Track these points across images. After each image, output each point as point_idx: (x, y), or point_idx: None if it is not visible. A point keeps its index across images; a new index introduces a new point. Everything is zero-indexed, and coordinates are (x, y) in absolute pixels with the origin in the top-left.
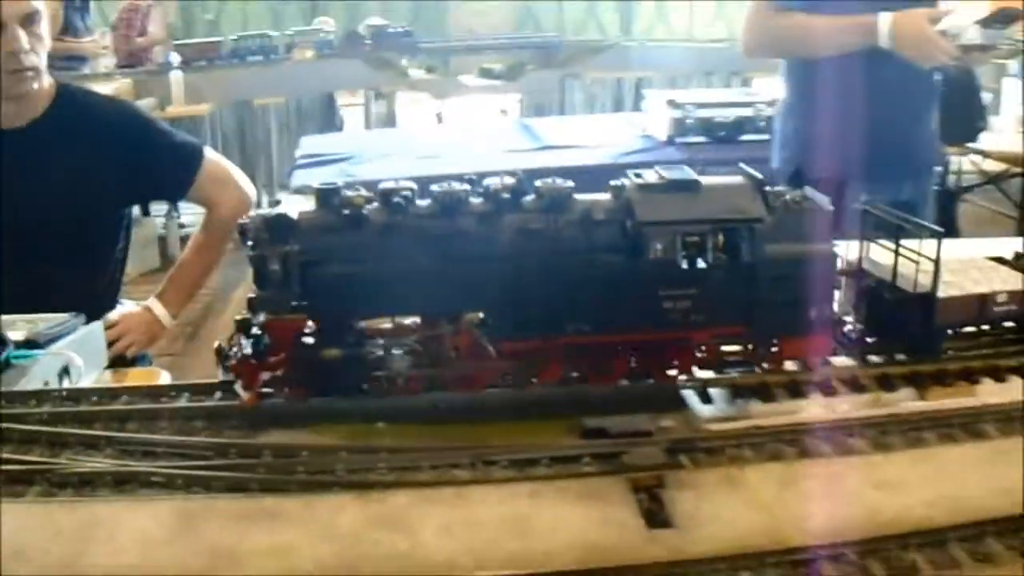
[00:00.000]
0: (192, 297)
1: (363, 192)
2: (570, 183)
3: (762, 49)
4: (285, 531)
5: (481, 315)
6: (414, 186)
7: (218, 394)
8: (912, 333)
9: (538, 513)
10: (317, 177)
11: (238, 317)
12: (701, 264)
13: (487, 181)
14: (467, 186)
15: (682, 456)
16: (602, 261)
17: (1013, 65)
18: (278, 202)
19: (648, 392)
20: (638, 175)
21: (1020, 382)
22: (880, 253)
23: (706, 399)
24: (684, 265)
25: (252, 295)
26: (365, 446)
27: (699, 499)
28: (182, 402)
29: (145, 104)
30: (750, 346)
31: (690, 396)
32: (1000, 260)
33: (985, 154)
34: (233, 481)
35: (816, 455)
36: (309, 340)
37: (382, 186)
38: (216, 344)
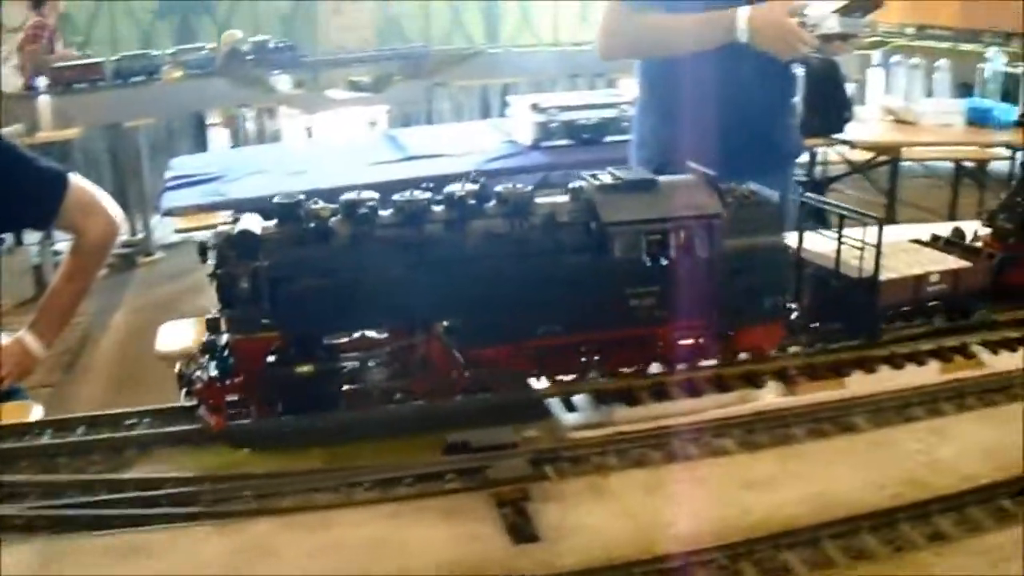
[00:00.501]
0: (65, 325)
1: (326, 204)
2: (529, 188)
3: (620, 51)
4: (150, 566)
5: (446, 323)
6: (376, 195)
7: (81, 428)
8: (856, 316)
9: (402, 533)
10: (187, 198)
11: (203, 339)
12: (663, 261)
13: (449, 189)
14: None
15: (547, 467)
16: (568, 263)
17: (877, 55)
18: (236, 219)
19: (513, 403)
20: (594, 176)
21: (888, 371)
22: (814, 242)
23: (570, 407)
24: (648, 263)
25: (210, 316)
26: (228, 475)
27: (564, 510)
28: (45, 439)
29: (11, 131)
30: (710, 338)
31: (554, 405)
32: (920, 242)
33: (852, 144)
34: (97, 518)
35: (682, 458)
36: (277, 357)
37: (344, 198)
38: (177, 368)
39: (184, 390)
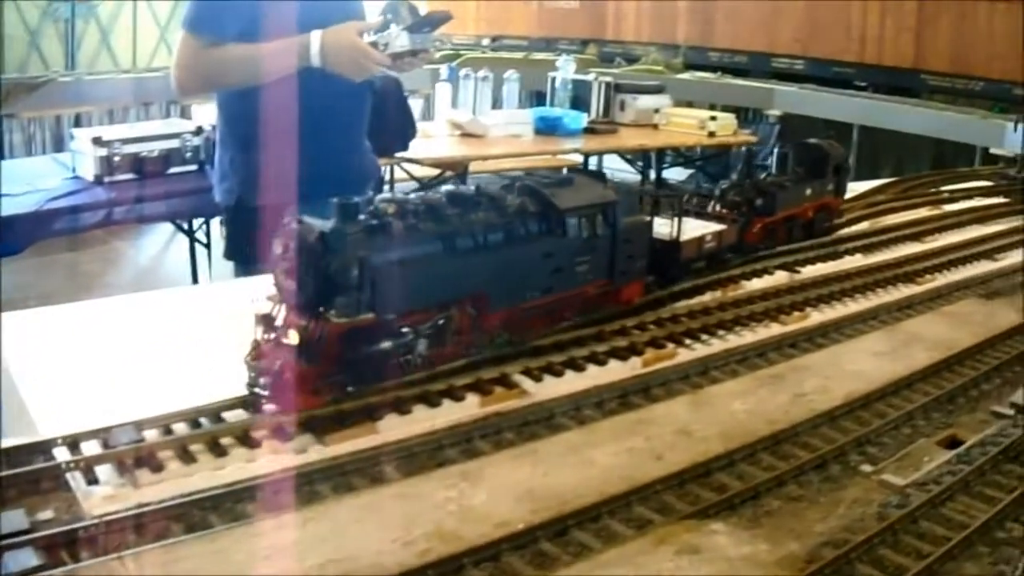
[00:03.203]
0: None
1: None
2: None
3: (199, 86)
4: None
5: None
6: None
7: None
8: (666, 267)
9: None
10: None
11: (297, 327)
12: (592, 236)
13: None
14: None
15: (63, 552)
16: (544, 241)
17: (445, 69)
18: (301, 220)
19: (25, 478)
20: (530, 174)
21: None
22: None
23: (92, 479)
24: (585, 237)
25: (263, 312)
26: None
27: None
28: None
29: None
30: (611, 292)
31: (75, 478)
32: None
33: (419, 162)
34: None
35: (202, 528)
36: (369, 337)
37: (381, 198)
38: (251, 365)
39: (259, 385)
